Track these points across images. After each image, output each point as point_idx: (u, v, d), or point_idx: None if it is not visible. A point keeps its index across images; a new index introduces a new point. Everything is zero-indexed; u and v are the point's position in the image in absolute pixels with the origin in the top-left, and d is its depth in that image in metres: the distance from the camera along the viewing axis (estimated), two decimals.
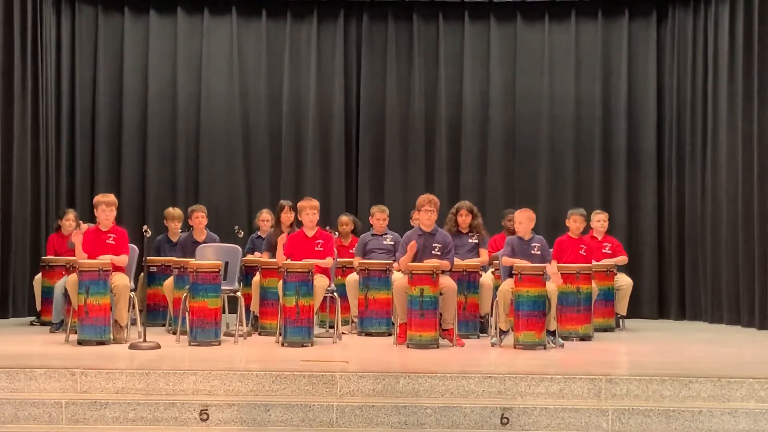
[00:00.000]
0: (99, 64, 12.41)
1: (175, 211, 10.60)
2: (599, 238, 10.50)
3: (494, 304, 8.94)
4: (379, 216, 10.20)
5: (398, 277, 9.00)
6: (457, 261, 9.19)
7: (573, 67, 12.42)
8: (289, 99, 12.53)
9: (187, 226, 10.42)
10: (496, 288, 9.16)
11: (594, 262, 9.83)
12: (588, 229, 10.31)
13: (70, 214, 10.62)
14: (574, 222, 9.89)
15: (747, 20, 10.89)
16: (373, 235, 10.15)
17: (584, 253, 9.72)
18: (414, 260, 8.74)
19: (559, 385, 6.77)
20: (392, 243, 10.00)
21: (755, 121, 10.69)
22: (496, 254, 9.56)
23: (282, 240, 9.04)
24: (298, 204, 9.29)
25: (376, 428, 6.53)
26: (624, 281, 10.40)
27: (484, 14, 12.52)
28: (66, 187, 12.03)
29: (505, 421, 6.51)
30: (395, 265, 9.29)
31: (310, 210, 9.10)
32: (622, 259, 10.50)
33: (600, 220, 10.57)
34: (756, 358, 8.13)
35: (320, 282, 8.73)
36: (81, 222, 9.78)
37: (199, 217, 10.16)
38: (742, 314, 10.83)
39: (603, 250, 10.37)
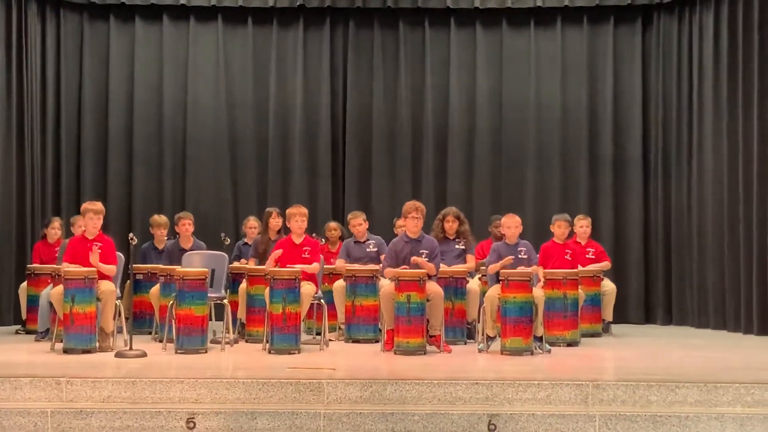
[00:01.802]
0: (84, 72, 12.37)
1: (161, 219, 10.56)
2: (582, 243, 10.53)
3: (481, 310, 8.94)
4: (355, 222, 10.19)
5: (385, 284, 8.99)
6: (443, 267, 9.19)
7: (559, 74, 12.42)
8: (276, 106, 12.50)
9: (173, 234, 10.40)
10: (483, 294, 9.16)
11: (580, 268, 9.84)
12: (572, 234, 10.32)
13: (56, 223, 10.58)
14: (559, 227, 9.89)
15: (731, 26, 10.95)
16: (355, 242, 10.14)
17: (570, 259, 9.74)
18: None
19: (546, 391, 6.77)
20: (375, 249, 10.00)
21: (740, 126, 10.74)
22: (484, 261, 9.57)
23: (275, 255, 8.97)
24: (287, 211, 9.30)
25: None
26: (608, 287, 10.42)
27: (470, 21, 12.52)
28: (51, 195, 11.95)
29: (492, 427, 6.51)
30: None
31: (299, 217, 9.11)
32: (606, 264, 10.51)
33: (583, 225, 10.60)
34: (742, 363, 8.13)
35: (307, 289, 8.72)
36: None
37: (186, 225, 10.14)
38: (728, 319, 10.87)
39: (587, 256, 10.40)
